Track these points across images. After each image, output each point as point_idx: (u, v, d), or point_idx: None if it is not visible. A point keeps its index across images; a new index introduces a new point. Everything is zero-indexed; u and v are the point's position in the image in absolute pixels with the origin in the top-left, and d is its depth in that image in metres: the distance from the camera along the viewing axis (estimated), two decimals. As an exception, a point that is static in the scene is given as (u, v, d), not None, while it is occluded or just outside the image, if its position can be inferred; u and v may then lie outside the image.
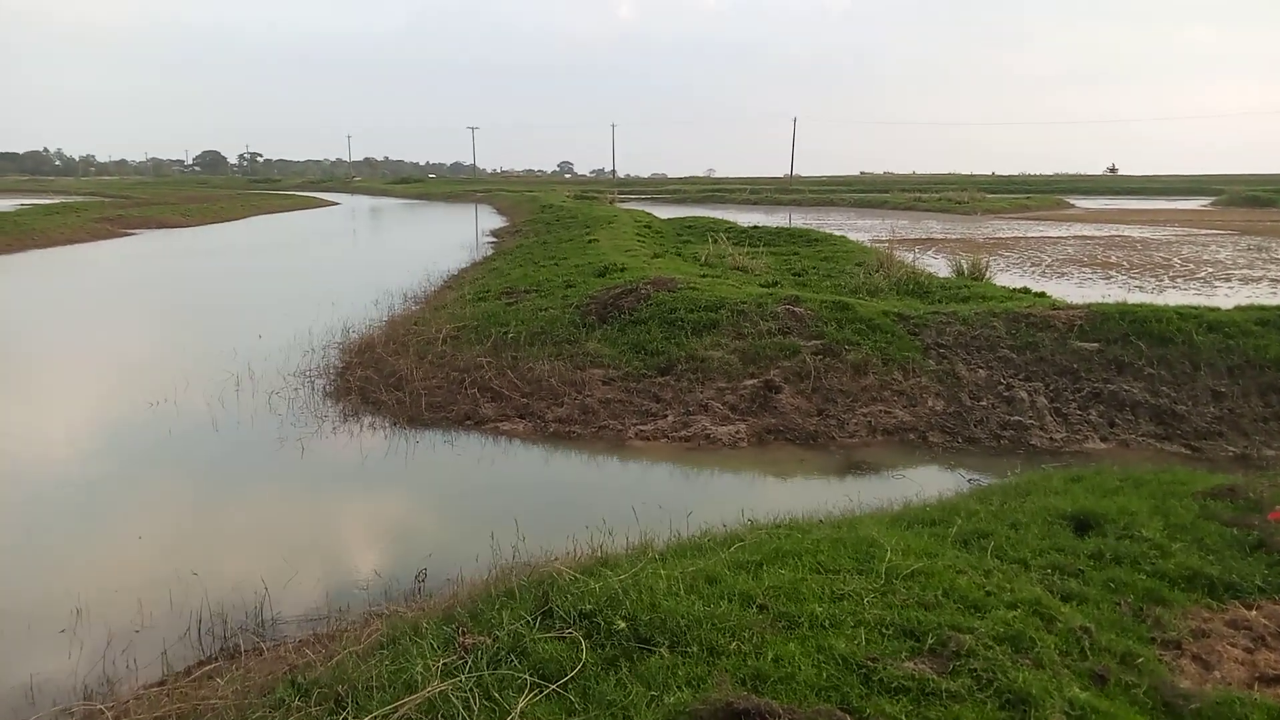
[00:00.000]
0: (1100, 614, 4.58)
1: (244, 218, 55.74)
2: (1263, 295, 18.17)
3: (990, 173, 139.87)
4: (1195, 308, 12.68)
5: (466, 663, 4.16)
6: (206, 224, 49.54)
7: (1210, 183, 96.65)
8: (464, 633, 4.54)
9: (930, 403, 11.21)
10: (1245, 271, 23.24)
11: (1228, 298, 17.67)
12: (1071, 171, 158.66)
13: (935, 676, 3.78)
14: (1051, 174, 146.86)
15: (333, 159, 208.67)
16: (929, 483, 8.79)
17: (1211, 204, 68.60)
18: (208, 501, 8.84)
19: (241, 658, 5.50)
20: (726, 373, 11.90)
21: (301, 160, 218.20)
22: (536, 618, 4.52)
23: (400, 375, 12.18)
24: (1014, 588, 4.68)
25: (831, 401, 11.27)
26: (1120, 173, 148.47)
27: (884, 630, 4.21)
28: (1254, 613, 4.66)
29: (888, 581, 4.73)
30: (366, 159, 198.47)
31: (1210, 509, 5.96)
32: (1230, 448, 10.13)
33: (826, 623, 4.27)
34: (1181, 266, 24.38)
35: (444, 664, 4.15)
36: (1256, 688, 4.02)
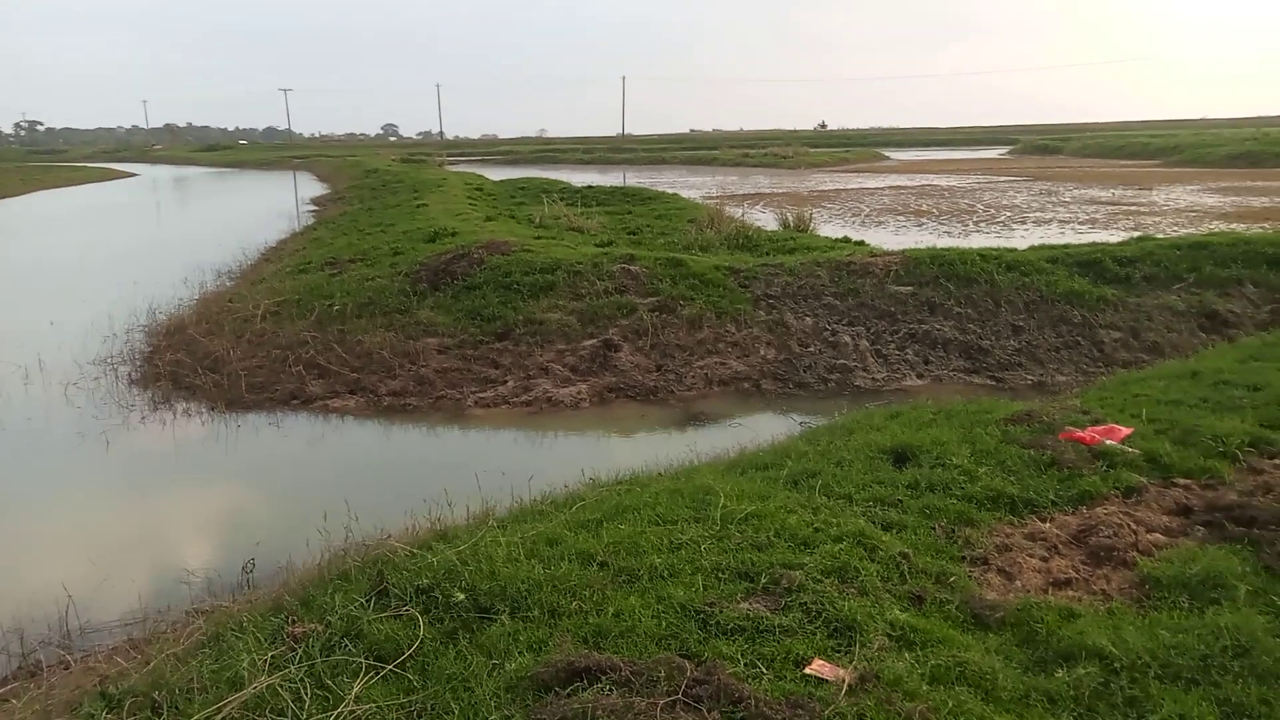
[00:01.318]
0: (917, 539, 4.88)
1: (23, 194, 50.22)
2: (1053, 235, 19.83)
3: (812, 128, 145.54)
4: (996, 249, 13.68)
5: (297, 653, 3.96)
6: (-21, 201, 44.34)
7: (1006, 133, 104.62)
8: (294, 622, 4.32)
9: (762, 352, 11.60)
10: (1038, 214, 25.28)
11: (1024, 239, 19.17)
12: (886, 125, 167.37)
13: (769, 614, 3.91)
14: (868, 128, 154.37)
15: (128, 126, 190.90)
16: (763, 428, 9.11)
17: (1008, 153, 74.27)
18: (-3, 508, 7.98)
19: (43, 674, 5.02)
20: (565, 334, 11.85)
21: (91, 128, 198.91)
22: (371, 598, 4.36)
23: (216, 356, 11.39)
24: (840, 522, 4.91)
25: (669, 357, 11.46)
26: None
27: (720, 575, 4.31)
28: (1048, 524, 5.10)
29: (723, 527, 4.85)
30: (167, 125, 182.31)
31: (1011, 434, 6.46)
32: (1028, 376, 11.06)
33: (665, 573, 4.33)
34: (984, 212, 26.24)
35: (272, 657, 3.93)
36: (1050, 592, 4.41)
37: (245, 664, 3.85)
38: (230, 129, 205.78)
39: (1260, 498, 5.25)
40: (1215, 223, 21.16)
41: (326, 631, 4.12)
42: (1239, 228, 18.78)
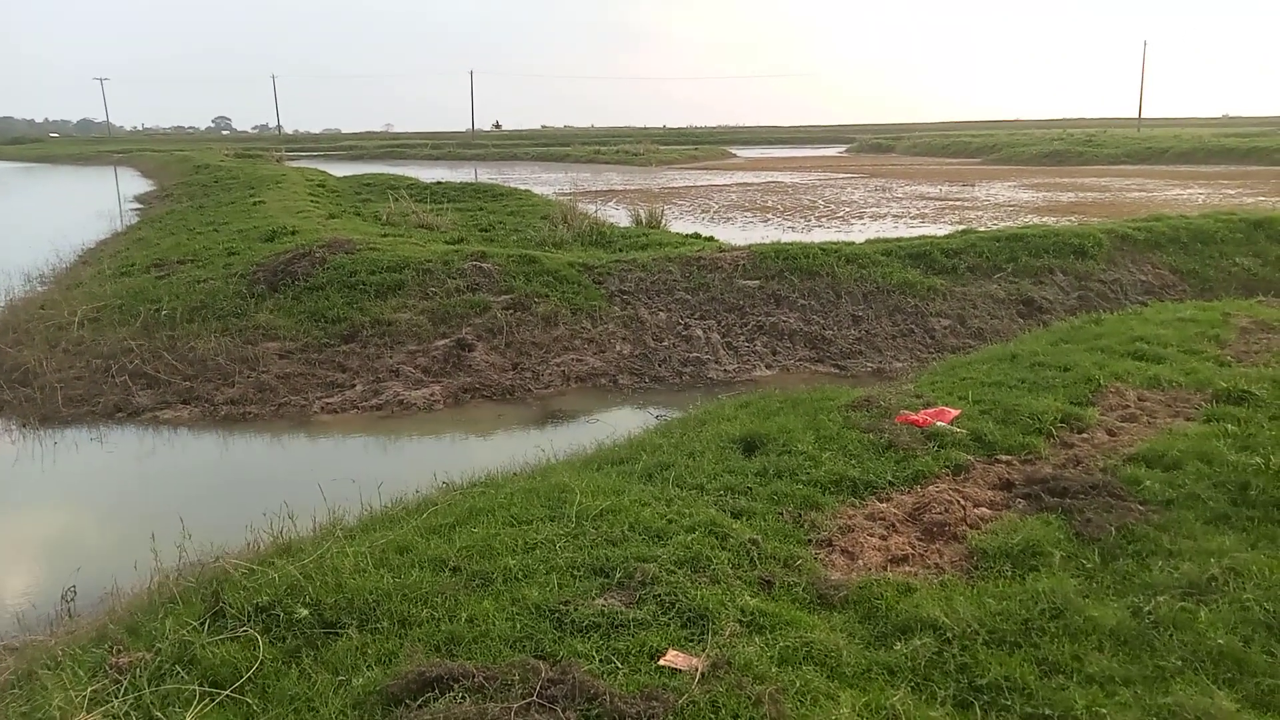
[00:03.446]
0: (766, 525, 5.03)
1: None
2: (887, 229, 20.90)
3: (662, 125, 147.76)
4: (836, 243, 14.31)
5: (122, 685, 3.68)
6: None
7: (844, 132, 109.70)
8: (118, 652, 4.01)
9: (618, 347, 11.68)
10: (874, 209, 26.62)
11: (861, 233, 20.09)
12: (732, 124, 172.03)
13: (623, 609, 3.94)
14: (716, 125, 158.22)
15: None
16: (621, 423, 9.15)
17: (845, 151, 77.90)
18: None
19: None
20: (416, 335, 11.54)
21: None
22: (206, 621, 4.10)
23: (26, 368, 10.44)
24: (692, 512, 5.00)
25: (525, 354, 11.35)
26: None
27: (575, 572, 4.31)
28: (886, 504, 5.38)
29: (578, 524, 4.85)
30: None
31: (851, 419, 6.77)
32: (868, 364, 11.63)
33: (520, 574, 4.29)
34: (825, 207, 27.38)
35: (92, 692, 3.63)
36: (889, 569, 4.65)
37: (59, 702, 3.54)
38: (39, 120, 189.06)
39: (1071, 470, 5.72)
40: (1029, 216, 22.89)
41: (156, 659, 3.85)
42: (1050, 221, 20.40)
